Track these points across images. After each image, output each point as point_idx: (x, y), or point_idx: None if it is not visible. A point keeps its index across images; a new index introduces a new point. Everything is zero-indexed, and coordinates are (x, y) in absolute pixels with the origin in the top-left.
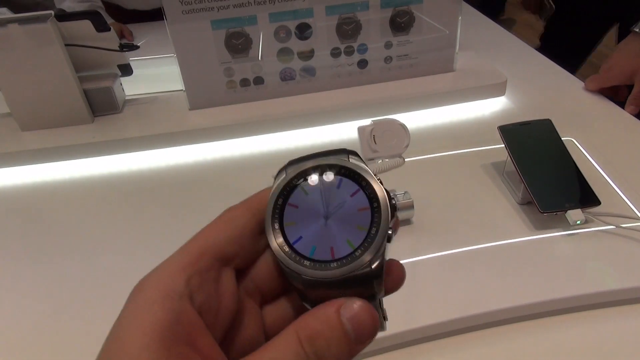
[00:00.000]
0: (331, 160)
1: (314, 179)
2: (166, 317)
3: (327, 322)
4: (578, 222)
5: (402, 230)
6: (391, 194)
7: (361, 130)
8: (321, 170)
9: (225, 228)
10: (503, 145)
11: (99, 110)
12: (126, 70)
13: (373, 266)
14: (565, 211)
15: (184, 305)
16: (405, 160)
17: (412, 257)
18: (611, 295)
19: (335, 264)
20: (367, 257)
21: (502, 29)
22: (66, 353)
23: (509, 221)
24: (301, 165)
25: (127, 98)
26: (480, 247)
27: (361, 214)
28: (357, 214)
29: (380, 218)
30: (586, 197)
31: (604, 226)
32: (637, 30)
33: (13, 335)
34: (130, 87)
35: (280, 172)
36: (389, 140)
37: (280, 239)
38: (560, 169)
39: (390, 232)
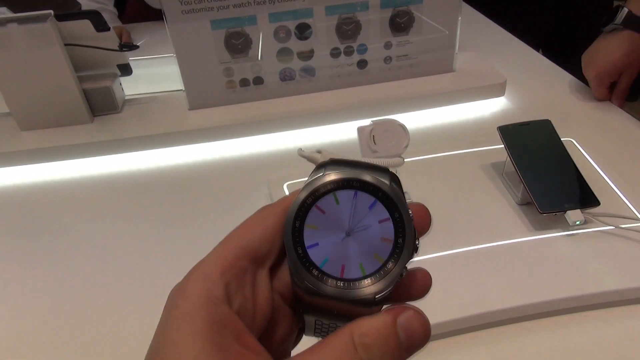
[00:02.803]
0: (374, 177)
1: (349, 190)
2: (214, 321)
3: (384, 329)
4: (577, 222)
5: None
6: (416, 234)
7: (361, 130)
8: (360, 184)
9: (258, 227)
10: (503, 146)
11: (98, 110)
12: (126, 70)
13: (377, 297)
14: (565, 212)
15: (225, 309)
16: (405, 160)
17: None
18: (610, 296)
19: (342, 284)
20: (373, 288)
21: (502, 29)
22: (66, 352)
23: (509, 221)
24: (342, 170)
25: (126, 98)
26: (480, 248)
27: (383, 244)
28: (379, 242)
29: (400, 256)
30: (585, 198)
31: (603, 227)
32: (609, 29)
33: (13, 334)
34: (130, 86)
35: (319, 167)
36: (388, 140)
37: (297, 239)
38: (560, 170)
39: (404, 272)
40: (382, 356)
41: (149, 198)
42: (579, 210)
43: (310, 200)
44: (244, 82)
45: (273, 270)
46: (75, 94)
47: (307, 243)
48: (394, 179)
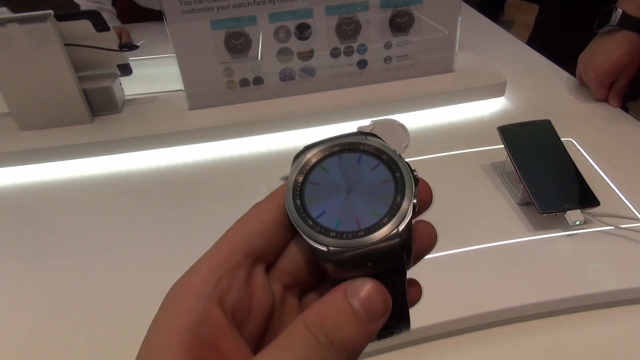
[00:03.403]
0: (349, 139)
1: (332, 157)
2: (190, 320)
3: (334, 305)
4: (577, 222)
5: None
6: (410, 167)
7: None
8: (340, 147)
9: (253, 223)
10: (502, 146)
11: (98, 110)
12: (125, 70)
13: (400, 230)
14: (565, 212)
15: (211, 307)
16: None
17: None
18: (610, 296)
19: (362, 233)
20: (394, 223)
21: (501, 29)
22: (65, 352)
23: (508, 222)
24: (318, 146)
25: (126, 98)
26: (480, 248)
27: (384, 186)
28: (380, 186)
29: (404, 186)
30: (585, 198)
31: (603, 227)
32: (604, 31)
33: (12, 334)
34: (130, 87)
35: (297, 156)
36: (388, 140)
37: (304, 214)
38: (560, 170)
39: (415, 201)
40: (340, 330)
41: (148, 198)
42: (579, 210)
43: (301, 178)
44: (244, 82)
45: (278, 267)
46: (75, 94)
47: (314, 215)
48: (370, 134)
